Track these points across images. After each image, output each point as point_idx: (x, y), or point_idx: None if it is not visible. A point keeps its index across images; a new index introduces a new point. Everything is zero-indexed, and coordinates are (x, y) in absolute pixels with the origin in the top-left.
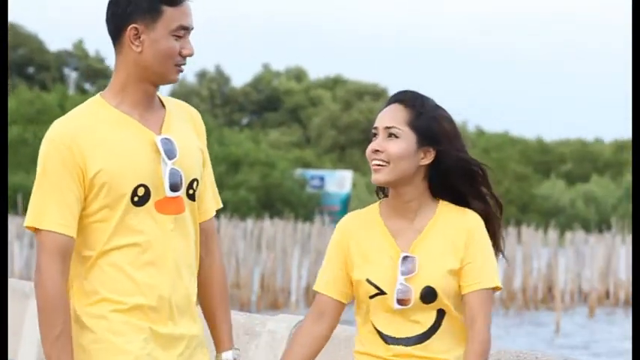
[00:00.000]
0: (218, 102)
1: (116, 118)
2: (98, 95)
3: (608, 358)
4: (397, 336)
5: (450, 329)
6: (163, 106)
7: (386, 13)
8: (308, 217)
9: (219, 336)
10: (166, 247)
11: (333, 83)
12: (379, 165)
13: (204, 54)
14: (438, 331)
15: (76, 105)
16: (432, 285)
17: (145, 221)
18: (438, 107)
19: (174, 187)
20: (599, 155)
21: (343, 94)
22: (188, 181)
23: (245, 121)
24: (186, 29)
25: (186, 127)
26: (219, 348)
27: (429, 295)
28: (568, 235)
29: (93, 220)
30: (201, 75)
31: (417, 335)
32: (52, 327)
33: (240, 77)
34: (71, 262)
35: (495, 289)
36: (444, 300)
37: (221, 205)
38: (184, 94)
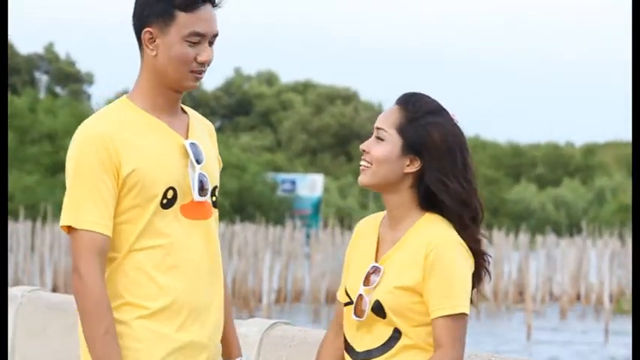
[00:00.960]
0: (189, 106)
1: (146, 120)
2: (125, 97)
3: None
4: (357, 349)
5: (406, 354)
6: (184, 112)
7: (356, 17)
8: (279, 221)
9: (230, 342)
10: (190, 251)
11: (304, 87)
12: (364, 166)
13: None
14: (389, 352)
15: (46, 108)
16: (380, 299)
17: (171, 224)
18: (436, 114)
19: (202, 192)
20: (570, 159)
21: (314, 97)
22: (211, 188)
23: (216, 125)
24: (202, 36)
25: (205, 134)
26: (230, 355)
27: (378, 310)
28: (539, 238)
29: (120, 221)
30: None
31: (366, 351)
32: (99, 325)
33: (211, 81)
34: None
35: (461, 315)
36: (392, 318)
37: None
38: None
